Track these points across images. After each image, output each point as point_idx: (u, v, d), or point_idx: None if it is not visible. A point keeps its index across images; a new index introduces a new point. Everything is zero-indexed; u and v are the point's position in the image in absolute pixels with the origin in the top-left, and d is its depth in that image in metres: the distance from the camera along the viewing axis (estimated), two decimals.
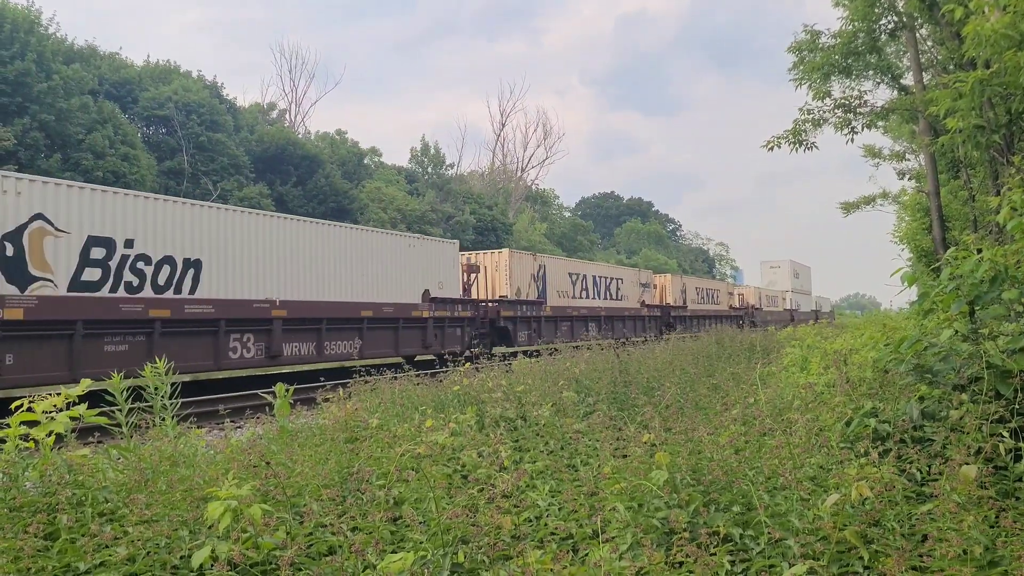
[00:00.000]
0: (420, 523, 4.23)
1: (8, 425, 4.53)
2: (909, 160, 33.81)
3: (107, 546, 3.58)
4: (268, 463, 4.32)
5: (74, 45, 46.69)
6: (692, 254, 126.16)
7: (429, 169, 70.77)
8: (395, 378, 8.57)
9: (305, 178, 53.18)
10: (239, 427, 12.10)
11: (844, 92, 17.70)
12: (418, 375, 9.11)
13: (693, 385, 9.11)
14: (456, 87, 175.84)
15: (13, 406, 4.71)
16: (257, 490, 3.96)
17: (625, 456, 5.04)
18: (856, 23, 16.48)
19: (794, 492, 3.99)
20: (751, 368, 11.33)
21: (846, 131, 15.88)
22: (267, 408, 7.05)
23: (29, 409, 4.62)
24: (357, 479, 4.75)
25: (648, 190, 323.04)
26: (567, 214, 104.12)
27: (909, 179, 34.09)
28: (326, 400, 7.62)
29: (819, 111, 15.61)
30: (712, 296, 54.03)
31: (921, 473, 4.51)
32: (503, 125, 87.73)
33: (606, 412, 7.18)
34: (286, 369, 21.02)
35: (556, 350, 17.03)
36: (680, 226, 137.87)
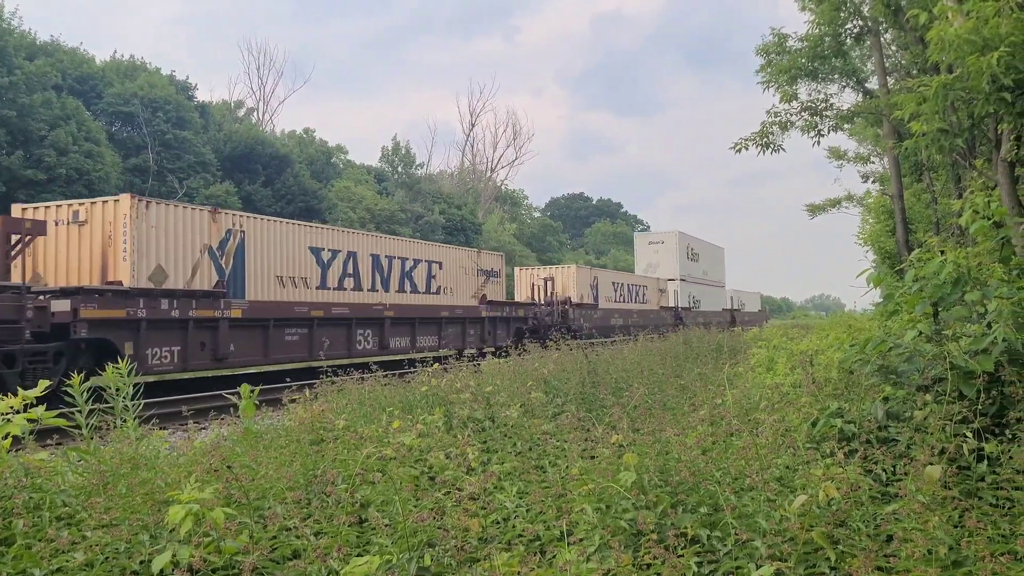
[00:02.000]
0: (386, 526, 4.19)
1: None
2: (874, 163, 34.27)
3: (64, 551, 3.49)
4: (230, 467, 4.24)
5: (37, 40, 45.90)
6: None
7: (399, 168, 70.50)
8: (362, 379, 8.50)
9: (273, 177, 52.73)
10: (203, 428, 11.95)
11: (810, 95, 17.87)
12: (385, 375, 9.04)
13: (661, 386, 9.13)
14: (430, 86, 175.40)
15: None
16: (220, 493, 3.89)
17: (593, 457, 5.03)
18: (822, 27, 16.66)
19: (761, 493, 4.00)
20: (718, 368, 11.39)
21: (812, 134, 16.04)
22: (232, 409, 6.95)
23: None
24: (322, 481, 4.69)
25: (621, 191, 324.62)
26: (536, 214, 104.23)
27: (873, 182, 34.57)
28: (292, 401, 7.54)
29: (786, 114, 15.77)
30: (638, 294, 46.67)
31: (886, 473, 4.55)
32: (472, 125, 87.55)
33: (574, 413, 7.17)
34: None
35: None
36: (648, 227, 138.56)
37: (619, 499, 4.28)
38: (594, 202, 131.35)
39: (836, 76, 19.71)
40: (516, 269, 39.01)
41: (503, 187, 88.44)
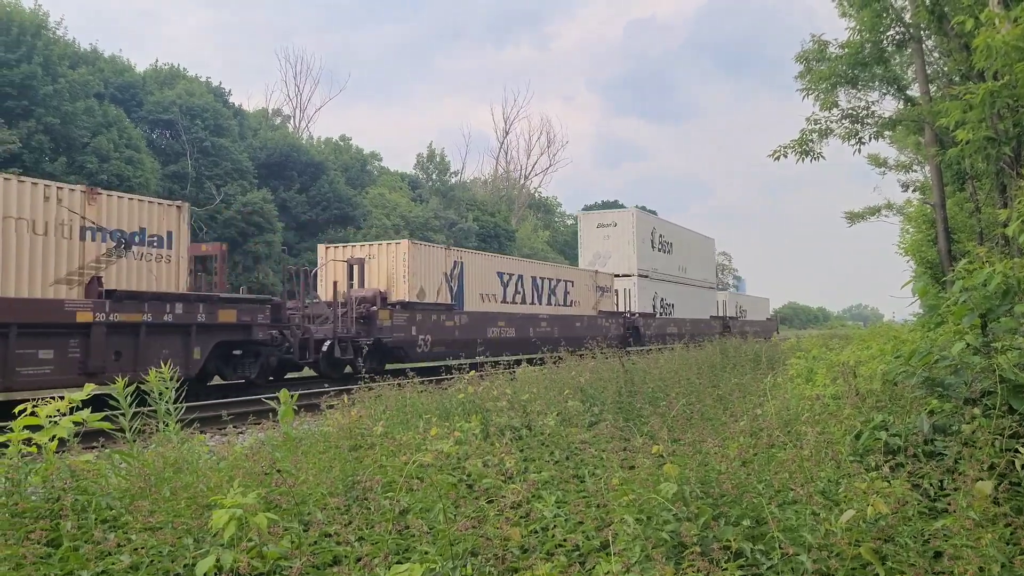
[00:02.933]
0: (426, 533, 4.18)
1: (11, 430, 4.48)
2: (915, 171, 33.79)
3: (110, 553, 3.53)
4: (279, 470, 4.26)
5: (79, 48, 46.81)
6: None
7: (434, 176, 70.81)
8: (399, 385, 8.52)
9: (308, 184, 53.22)
10: (241, 432, 12.06)
11: (850, 102, 17.67)
12: (422, 382, 9.06)
13: (699, 396, 9.05)
14: (463, 93, 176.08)
15: (16, 410, 4.66)
16: (262, 498, 3.91)
17: (633, 467, 4.98)
18: (863, 33, 16.46)
19: (806, 506, 3.93)
20: (756, 379, 11.27)
21: (853, 141, 15.85)
22: (270, 414, 7.00)
23: (32, 414, 4.58)
24: (362, 488, 4.70)
25: (654, 197, 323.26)
26: (570, 222, 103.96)
27: (913, 191, 34.04)
28: (330, 407, 7.57)
29: (826, 121, 15.59)
30: (555, 293, 33.46)
31: (934, 488, 4.46)
32: (506, 133, 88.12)
33: (612, 422, 7.13)
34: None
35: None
36: None
37: (660, 510, 4.23)
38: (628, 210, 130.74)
39: (876, 83, 19.48)
40: (321, 247, 26.25)
41: (537, 194, 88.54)
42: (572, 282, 35.13)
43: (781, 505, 4.19)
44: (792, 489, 4.14)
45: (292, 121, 69.89)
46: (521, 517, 4.59)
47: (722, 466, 4.69)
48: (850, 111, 16.02)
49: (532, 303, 31.44)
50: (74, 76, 40.02)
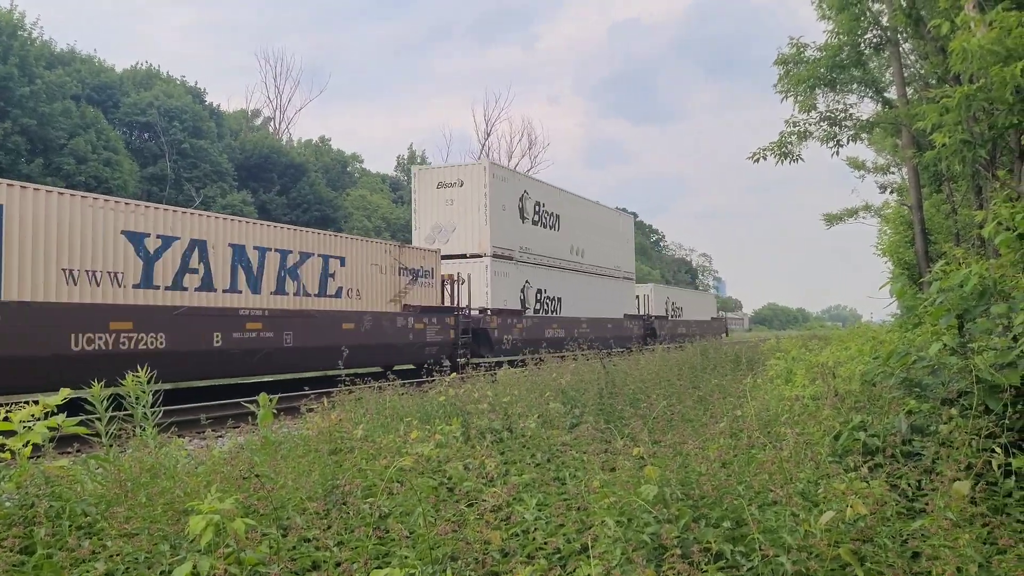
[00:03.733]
0: (406, 537, 4.16)
1: None
2: (893, 174, 34.07)
3: (85, 561, 3.48)
4: (257, 476, 4.23)
5: (56, 49, 46.36)
6: (675, 264, 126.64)
7: None
8: (380, 388, 8.48)
9: (289, 186, 52.98)
10: (220, 436, 11.96)
11: (828, 105, 17.79)
12: (403, 384, 9.03)
13: (680, 397, 9.07)
14: (447, 94, 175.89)
15: None
16: (240, 503, 3.87)
17: (614, 470, 4.98)
18: (841, 36, 16.58)
19: (785, 508, 3.94)
20: (736, 380, 11.32)
21: (831, 144, 15.96)
22: (249, 418, 6.95)
23: (6, 419, 4.51)
24: (342, 492, 4.67)
25: (636, 198, 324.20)
26: None
27: (891, 192, 34.34)
28: (310, 410, 7.53)
29: (804, 124, 15.69)
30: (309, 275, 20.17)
31: (912, 489, 4.48)
32: (488, 134, 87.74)
33: (593, 424, 7.12)
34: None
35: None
36: (663, 237, 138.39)
37: (641, 512, 4.23)
38: None
39: (855, 86, 19.64)
40: None
41: None
42: (342, 259, 21.74)
43: (761, 507, 4.20)
44: (772, 491, 4.15)
45: (272, 123, 69.57)
46: (502, 520, 4.58)
47: (702, 468, 4.69)
48: (828, 114, 16.14)
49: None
50: (51, 77, 39.62)
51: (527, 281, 32.64)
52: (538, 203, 34.08)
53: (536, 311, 33.06)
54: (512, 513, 4.77)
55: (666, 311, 50.09)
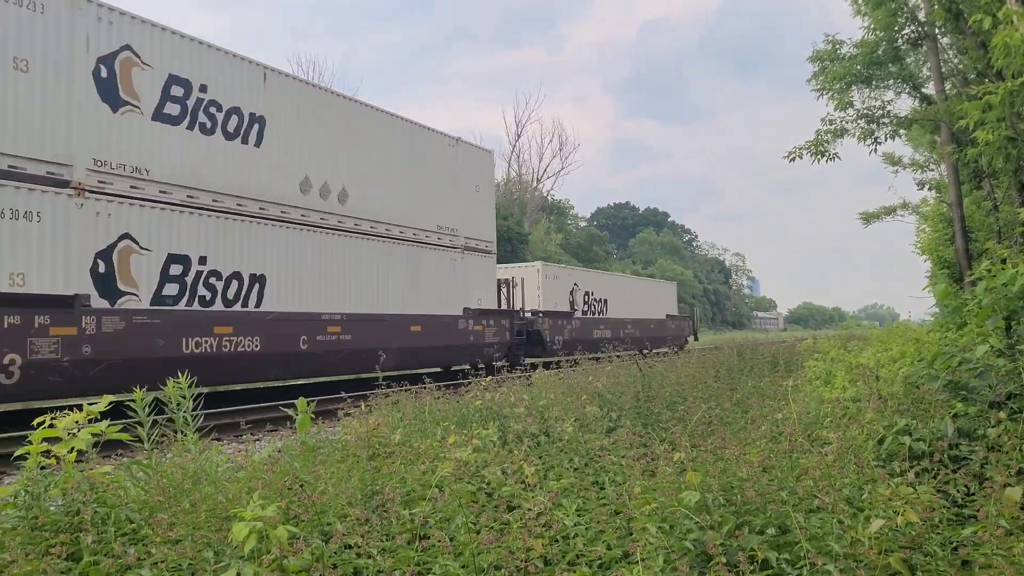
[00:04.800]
0: (448, 545, 4.15)
1: (31, 442, 4.48)
2: (932, 171, 33.50)
3: (130, 567, 3.51)
4: (302, 485, 4.24)
5: None
6: (708, 264, 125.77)
7: None
8: (416, 394, 8.49)
9: None
10: (257, 440, 12.07)
11: (864, 102, 17.54)
12: (439, 387, 9.04)
13: (717, 400, 8.98)
14: (475, 95, 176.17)
15: (35, 422, 4.66)
16: (282, 510, 3.89)
17: (653, 474, 4.93)
18: (878, 33, 16.34)
19: (832, 515, 3.87)
20: (774, 382, 11.19)
21: (869, 141, 15.73)
22: (287, 421, 6.98)
23: (51, 425, 4.57)
24: (383, 498, 4.67)
25: (666, 198, 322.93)
26: (583, 224, 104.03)
27: (929, 189, 33.79)
28: (347, 415, 7.55)
29: (841, 121, 15.48)
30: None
31: (961, 495, 4.39)
32: (518, 136, 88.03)
33: (630, 428, 7.07)
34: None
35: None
36: (696, 236, 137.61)
37: (683, 519, 4.18)
38: (640, 211, 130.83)
39: (891, 82, 19.35)
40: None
41: (549, 197, 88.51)
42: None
43: (806, 513, 4.13)
44: (817, 497, 4.08)
45: None
46: (542, 527, 4.55)
47: (743, 473, 4.63)
48: (866, 111, 15.91)
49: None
50: None
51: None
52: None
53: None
54: (552, 519, 4.74)
55: (574, 305, 34.30)
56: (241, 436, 12.30)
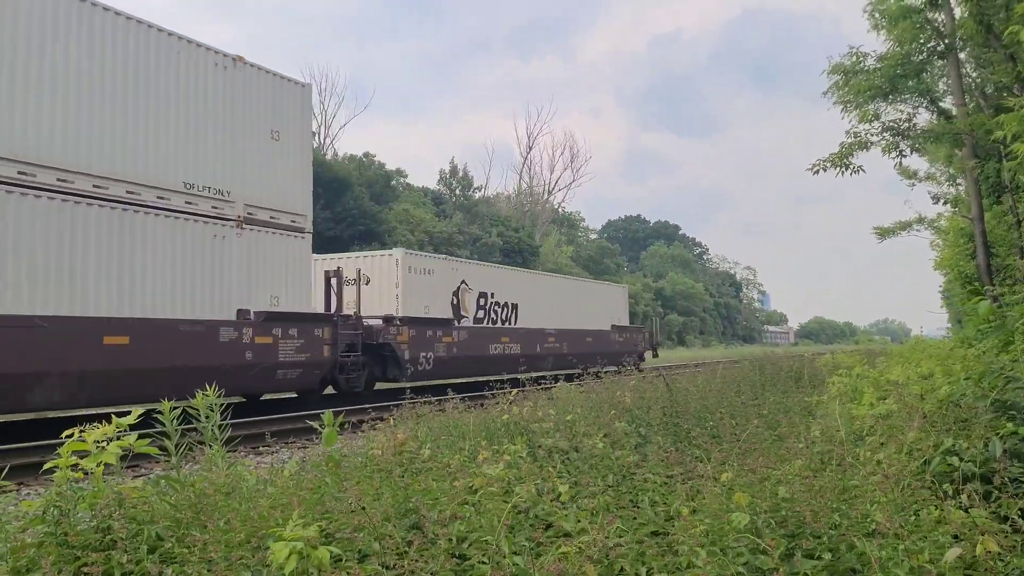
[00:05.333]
0: (482, 563, 4.02)
1: (59, 455, 4.36)
2: (949, 184, 33.25)
3: None
4: (359, 509, 4.09)
5: None
6: (719, 278, 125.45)
7: (457, 191, 70.92)
8: (442, 410, 8.35)
9: (333, 200, 53.40)
10: (274, 452, 11.95)
11: (887, 115, 17.40)
12: (463, 399, 8.91)
13: (744, 416, 8.81)
14: (488, 107, 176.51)
15: (64, 435, 4.55)
16: (322, 530, 3.75)
17: (698, 492, 4.78)
18: (904, 46, 16.21)
19: (898, 541, 3.71)
20: (796, 397, 11.01)
21: (894, 154, 15.58)
22: (312, 432, 6.85)
23: (81, 439, 4.45)
24: (416, 515, 4.53)
25: (678, 211, 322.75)
26: (593, 236, 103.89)
27: (944, 203, 33.59)
28: (373, 428, 7.42)
29: (866, 134, 15.34)
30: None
31: (1021, 519, 4.22)
32: (530, 148, 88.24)
33: (661, 444, 6.93)
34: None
35: None
36: (707, 249, 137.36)
37: (733, 542, 4.03)
38: (651, 224, 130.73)
39: (908, 96, 19.20)
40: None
41: (560, 209, 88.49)
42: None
43: (862, 537, 3.97)
44: (875, 520, 3.92)
45: (317, 137, 70.26)
46: (597, 550, 4.41)
47: (787, 492, 4.48)
48: (891, 123, 15.76)
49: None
50: None
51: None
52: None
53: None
54: (595, 540, 4.59)
55: (459, 309, 25.63)
56: (258, 447, 12.19)
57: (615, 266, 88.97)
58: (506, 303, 28.09)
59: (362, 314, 20.78)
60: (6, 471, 6.59)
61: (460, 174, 71.76)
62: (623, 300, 39.27)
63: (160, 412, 4.94)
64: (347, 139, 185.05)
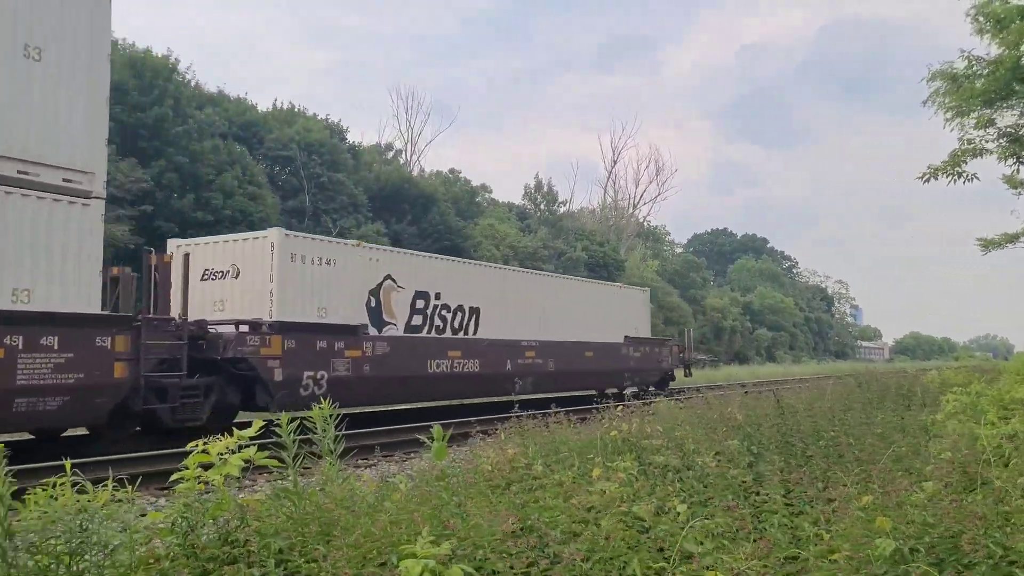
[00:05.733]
0: None
1: (186, 467, 4.39)
2: None
3: None
4: (480, 526, 3.99)
5: (207, 90, 49.04)
6: (809, 292, 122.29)
7: (542, 206, 71.04)
8: (547, 425, 8.23)
9: (420, 216, 54.08)
10: (373, 464, 12.02)
11: (996, 120, 16.60)
12: (566, 412, 8.78)
13: (857, 435, 8.43)
14: (572, 122, 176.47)
15: (188, 446, 4.59)
16: (453, 548, 3.66)
17: (834, 512, 4.55)
18: (1015, 49, 15.45)
19: None
20: (906, 414, 10.54)
21: (1011, 161, 14.85)
22: (420, 444, 6.80)
23: (204, 451, 4.48)
24: (538, 534, 4.41)
25: (765, 224, 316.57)
26: (679, 250, 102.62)
27: None
28: (482, 439, 7.36)
29: (980, 140, 14.67)
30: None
31: None
32: (615, 162, 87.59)
33: (776, 463, 6.66)
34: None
35: None
36: (796, 263, 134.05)
37: (878, 569, 3.78)
38: (738, 237, 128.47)
39: (1013, 100, 18.31)
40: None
41: (645, 223, 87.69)
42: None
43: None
44: None
45: (403, 155, 71.39)
46: (706, 568, 4.23)
47: (930, 516, 4.20)
48: (1009, 129, 15.03)
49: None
50: (201, 116, 41.89)
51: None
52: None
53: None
54: (716, 562, 4.40)
55: (383, 312, 19.24)
56: (367, 457, 12.25)
57: (701, 280, 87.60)
58: (460, 307, 21.41)
59: (233, 317, 15.84)
60: (139, 480, 6.71)
61: (545, 189, 71.94)
62: (642, 307, 31.28)
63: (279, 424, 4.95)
64: (434, 156, 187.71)
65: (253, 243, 16.96)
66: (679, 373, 32.65)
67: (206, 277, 17.11)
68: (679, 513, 5.36)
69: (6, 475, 3.60)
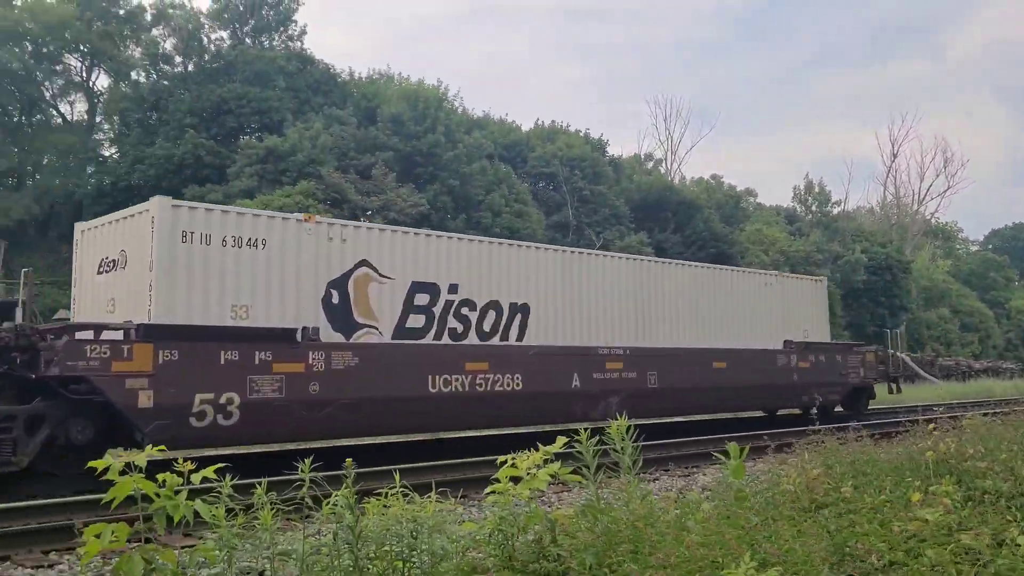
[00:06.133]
0: None
1: (497, 480, 4.56)
2: None
3: None
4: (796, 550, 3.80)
5: (473, 115, 51.82)
6: None
7: (813, 208, 67.69)
8: (843, 440, 7.73)
9: (683, 224, 53.45)
10: (655, 479, 11.94)
11: None
12: (866, 426, 8.19)
13: None
14: (842, 117, 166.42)
15: (499, 461, 4.76)
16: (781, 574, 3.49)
17: None
18: None
19: None
20: None
21: None
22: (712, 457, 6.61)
23: (513, 465, 4.63)
24: (858, 562, 4.11)
25: None
26: (975, 248, 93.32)
27: None
28: (781, 455, 7.04)
29: None
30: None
31: None
32: (894, 156, 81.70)
33: None
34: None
35: None
36: None
37: None
38: None
39: None
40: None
41: (933, 220, 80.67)
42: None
43: None
44: None
45: (664, 164, 71.03)
46: None
47: None
48: None
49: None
50: (470, 140, 44.28)
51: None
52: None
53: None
54: None
55: (353, 310, 13.73)
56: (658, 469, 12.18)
57: (1004, 280, 78.98)
58: (493, 304, 15.81)
59: (122, 320, 11.68)
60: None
61: (816, 189, 68.48)
62: (814, 303, 23.62)
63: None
64: (695, 163, 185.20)
65: (134, 221, 12.40)
66: (880, 389, 25.17)
67: (102, 269, 13.06)
68: (1019, 545, 4.79)
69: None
